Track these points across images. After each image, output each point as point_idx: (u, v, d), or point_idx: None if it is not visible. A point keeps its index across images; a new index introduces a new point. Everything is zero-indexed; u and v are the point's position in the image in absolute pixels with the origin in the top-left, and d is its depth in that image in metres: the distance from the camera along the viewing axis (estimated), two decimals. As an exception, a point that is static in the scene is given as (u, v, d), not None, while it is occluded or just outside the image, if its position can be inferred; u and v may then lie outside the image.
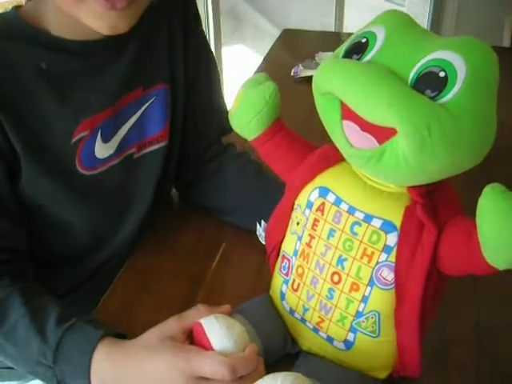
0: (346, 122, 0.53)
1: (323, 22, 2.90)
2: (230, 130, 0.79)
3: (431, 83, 0.49)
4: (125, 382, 0.62)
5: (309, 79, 1.37)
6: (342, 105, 0.53)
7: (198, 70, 0.90)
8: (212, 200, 0.93)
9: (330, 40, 1.93)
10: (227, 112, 0.79)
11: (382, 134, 0.50)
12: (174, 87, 0.86)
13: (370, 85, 0.50)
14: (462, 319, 0.74)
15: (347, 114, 0.53)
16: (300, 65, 1.49)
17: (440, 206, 0.55)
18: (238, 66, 2.99)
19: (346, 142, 0.54)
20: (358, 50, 0.54)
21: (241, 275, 0.82)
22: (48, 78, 0.73)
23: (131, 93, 0.80)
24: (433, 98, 0.49)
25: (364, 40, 0.54)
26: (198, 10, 0.90)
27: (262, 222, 0.80)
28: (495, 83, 0.50)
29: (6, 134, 0.70)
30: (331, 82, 0.53)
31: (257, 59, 2.80)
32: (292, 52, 1.69)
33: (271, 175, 0.72)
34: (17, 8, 0.75)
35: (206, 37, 0.94)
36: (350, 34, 0.59)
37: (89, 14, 0.68)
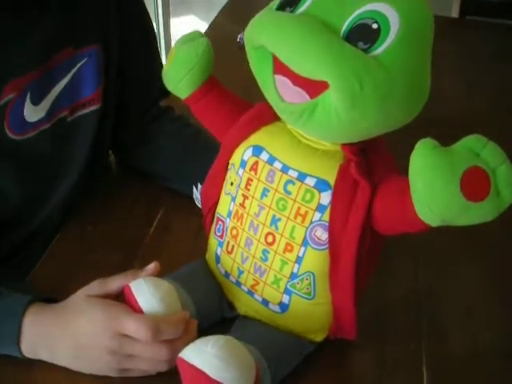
0: (277, 77, 0.52)
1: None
2: (168, 93, 0.76)
3: (363, 35, 0.48)
4: (53, 346, 0.61)
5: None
6: (275, 59, 0.51)
7: (133, 33, 0.87)
8: (149, 164, 0.91)
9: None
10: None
11: (314, 88, 0.49)
12: (106, 49, 0.82)
13: (302, 38, 0.48)
14: (400, 282, 0.74)
15: (279, 68, 0.51)
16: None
17: (374, 165, 0.55)
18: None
19: (277, 96, 0.53)
20: (291, 2, 0.52)
21: (178, 241, 0.80)
22: None
23: (61, 53, 0.76)
24: (365, 51, 0.47)
25: (297, -9, 0.52)
26: None
27: (199, 185, 0.78)
28: (429, 37, 0.50)
29: None
30: (263, 35, 0.51)
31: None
32: (238, 19, 1.66)
33: (209, 138, 0.70)
34: None
35: (143, 2, 0.90)
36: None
37: None
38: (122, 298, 0.62)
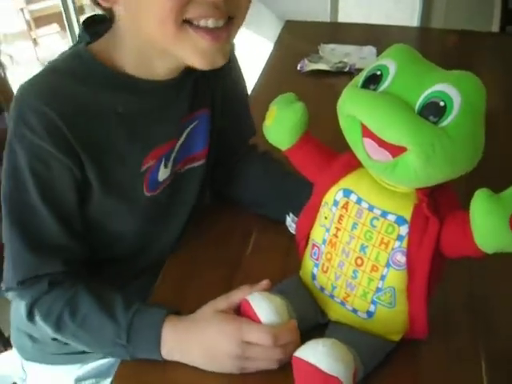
0: (365, 140, 0.67)
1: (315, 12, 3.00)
2: (254, 133, 0.91)
3: (433, 111, 0.63)
4: (187, 350, 0.77)
5: (314, 73, 1.52)
6: (362, 126, 0.67)
7: (234, 96, 1.01)
8: (242, 197, 1.06)
9: (329, 31, 2.07)
10: (252, 118, 0.94)
11: (395, 151, 0.65)
12: (213, 112, 0.95)
13: (388, 112, 0.64)
14: (458, 291, 0.89)
15: (366, 133, 0.67)
16: (306, 59, 1.62)
17: (441, 202, 0.70)
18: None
19: (366, 155, 0.68)
20: (373, 81, 0.68)
21: (271, 259, 0.96)
22: (122, 119, 0.81)
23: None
24: (435, 123, 0.63)
25: (379, 72, 0.68)
26: None
27: (290, 214, 0.94)
28: (483, 110, 0.65)
29: (85, 171, 0.79)
30: (355, 107, 0.67)
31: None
32: (295, 44, 1.82)
33: (292, 172, 0.85)
34: (89, 45, 0.80)
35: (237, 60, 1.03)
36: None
37: (190, 50, 0.74)
38: (239, 311, 0.78)
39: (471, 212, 0.63)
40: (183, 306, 0.83)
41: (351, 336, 0.75)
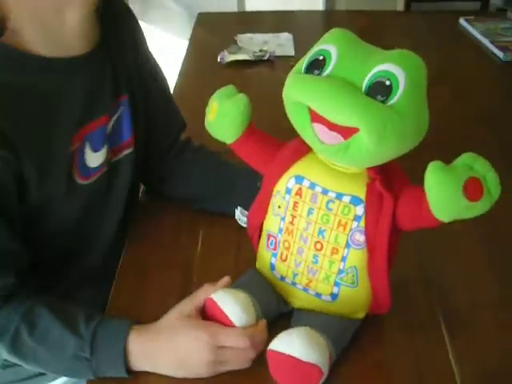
0: (315, 125, 0.68)
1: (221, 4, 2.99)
2: (185, 126, 0.94)
3: (380, 90, 0.64)
4: (157, 360, 0.74)
5: (235, 63, 1.52)
6: (310, 111, 0.67)
7: (150, 79, 1.01)
8: (180, 192, 1.05)
9: (243, 20, 2.07)
10: (177, 109, 0.98)
11: (347, 132, 0.65)
12: (132, 98, 0.95)
13: (336, 95, 0.64)
14: (409, 264, 0.92)
15: (315, 117, 0.67)
16: (225, 51, 1.62)
17: (392, 179, 0.72)
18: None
19: (316, 140, 0.69)
20: (317, 66, 0.68)
21: (223, 255, 0.95)
22: (43, 99, 0.79)
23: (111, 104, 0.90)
24: (383, 102, 0.64)
25: (321, 57, 0.68)
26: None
27: (239, 207, 0.94)
28: (425, 84, 0.67)
29: (20, 160, 0.75)
30: (301, 93, 0.67)
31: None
32: (211, 37, 1.81)
33: (230, 162, 0.88)
34: None
35: (150, 50, 1.04)
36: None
37: None
38: (204, 311, 0.77)
39: (426, 184, 0.65)
40: (143, 314, 0.81)
41: (318, 321, 0.76)
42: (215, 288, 0.78)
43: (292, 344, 0.68)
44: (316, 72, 0.68)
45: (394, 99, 0.64)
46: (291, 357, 0.67)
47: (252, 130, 0.79)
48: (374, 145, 0.64)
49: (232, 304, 0.74)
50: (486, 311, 0.85)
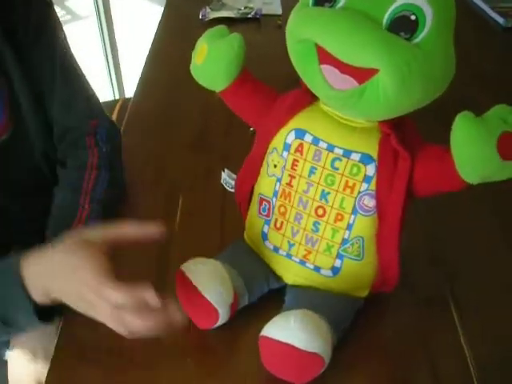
0: (324, 67, 0.57)
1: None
2: (94, 114, 0.86)
3: (404, 26, 0.54)
4: (48, 281, 0.61)
5: (218, 21, 1.40)
6: (319, 50, 0.57)
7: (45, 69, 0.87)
8: None
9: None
10: (93, 96, 0.85)
11: (362, 75, 0.55)
12: (9, 82, 0.82)
13: (351, 29, 0.54)
14: (415, 238, 0.83)
15: (325, 58, 0.56)
16: (207, 7, 1.49)
17: (407, 136, 0.62)
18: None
19: (325, 85, 0.58)
20: (328, -3, 0.58)
21: (206, 224, 0.84)
22: None
23: None
24: (407, 40, 0.54)
25: (333, -13, 0.58)
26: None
27: (226, 169, 0.83)
28: (454, 23, 0.57)
29: None
30: (310, 29, 0.56)
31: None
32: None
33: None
34: None
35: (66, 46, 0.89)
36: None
37: None
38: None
39: (453, 140, 0.55)
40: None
41: (317, 301, 0.66)
42: (140, 228, 0.62)
43: (288, 329, 0.58)
44: (327, 5, 0.58)
45: (419, 37, 0.54)
46: (288, 345, 0.57)
47: (246, 75, 0.68)
48: (395, 88, 0.54)
49: (201, 273, 0.64)
50: (498, 287, 0.77)
